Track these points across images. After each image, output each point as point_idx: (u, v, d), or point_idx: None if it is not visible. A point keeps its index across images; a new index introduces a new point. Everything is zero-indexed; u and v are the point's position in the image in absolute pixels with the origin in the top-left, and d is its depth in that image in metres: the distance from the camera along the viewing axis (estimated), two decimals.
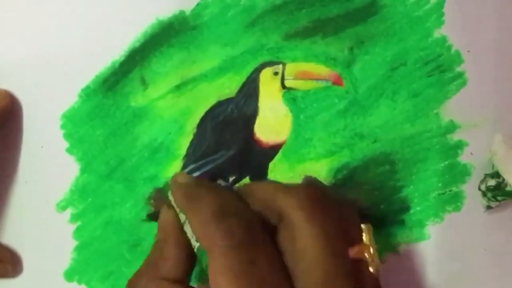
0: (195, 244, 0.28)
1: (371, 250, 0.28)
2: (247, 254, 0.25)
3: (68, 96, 0.35)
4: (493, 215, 0.35)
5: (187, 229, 0.28)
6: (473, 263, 0.35)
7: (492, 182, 0.34)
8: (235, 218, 0.26)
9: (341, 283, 0.25)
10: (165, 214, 0.30)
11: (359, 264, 0.27)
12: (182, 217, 0.29)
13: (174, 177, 0.32)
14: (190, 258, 0.29)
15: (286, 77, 0.35)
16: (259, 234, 0.26)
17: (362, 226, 0.28)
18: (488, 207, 0.34)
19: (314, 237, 0.25)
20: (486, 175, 0.34)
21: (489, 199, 0.34)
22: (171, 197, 0.31)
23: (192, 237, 0.28)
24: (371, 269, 0.27)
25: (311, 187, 0.28)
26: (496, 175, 0.34)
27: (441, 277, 0.34)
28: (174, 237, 0.29)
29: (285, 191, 0.27)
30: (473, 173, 0.35)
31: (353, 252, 0.27)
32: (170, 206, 0.30)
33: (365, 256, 0.27)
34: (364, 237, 0.28)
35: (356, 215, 0.29)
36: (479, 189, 0.34)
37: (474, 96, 0.35)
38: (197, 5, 0.35)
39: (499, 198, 0.34)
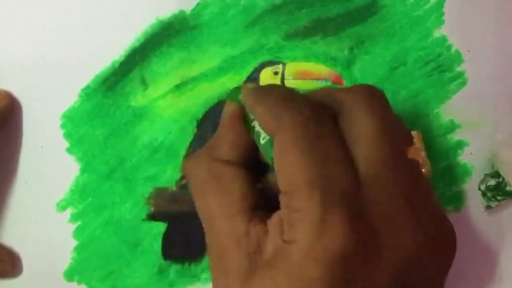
0: (262, 142, 0.28)
1: (422, 153, 0.28)
2: (315, 129, 0.25)
3: (68, 96, 0.35)
4: (492, 215, 0.35)
5: (256, 126, 0.28)
6: (472, 263, 0.35)
7: (492, 182, 0.34)
8: (302, 100, 0.27)
9: (396, 170, 0.26)
10: (227, 106, 0.30)
11: (413, 162, 0.27)
12: (251, 118, 0.29)
13: (245, 84, 0.33)
14: (246, 145, 0.29)
15: (286, 77, 0.35)
16: (324, 114, 0.26)
17: (412, 132, 0.29)
18: (488, 207, 0.34)
19: (374, 126, 0.26)
20: (486, 175, 0.34)
21: (489, 198, 0.34)
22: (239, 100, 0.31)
23: (260, 134, 0.28)
24: (423, 171, 0.27)
25: (371, 85, 0.28)
26: (496, 174, 0.34)
27: None
28: (231, 123, 0.29)
29: (345, 88, 0.28)
30: (473, 173, 0.35)
31: (408, 152, 0.27)
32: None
33: (418, 158, 0.28)
34: (415, 141, 0.28)
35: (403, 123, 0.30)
36: (479, 189, 0.34)
37: (474, 96, 0.35)
38: (197, 5, 0.35)
39: (499, 197, 0.34)
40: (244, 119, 0.29)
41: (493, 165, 0.34)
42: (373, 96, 0.27)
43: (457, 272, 0.34)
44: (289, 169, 0.25)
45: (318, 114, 0.26)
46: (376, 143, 0.26)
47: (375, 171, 0.25)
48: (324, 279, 0.23)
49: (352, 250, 0.23)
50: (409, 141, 0.28)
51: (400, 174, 0.26)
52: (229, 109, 0.30)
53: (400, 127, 0.28)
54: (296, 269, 0.23)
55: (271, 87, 0.29)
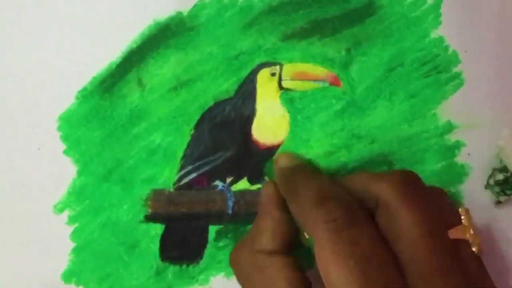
0: (306, 236, 0.28)
1: (471, 230, 0.27)
2: (350, 236, 0.25)
3: (65, 98, 0.35)
4: (489, 217, 0.35)
5: None
6: None
7: (500, 177, 0.34)
8: (334, 201, 0.26)
9: (443, 261, 0.25)
10: (265, 188, 0.31)
11: (461, 244, 0.27)
12: None
13: (276, 159, 0.32)
14: (287, 231, 0.29)
15: (283, 78, 0.35)
16: (359, 214, 0.26)
17: (459, 209, 0.29)
18: (498, 202, 0.34)
19: (412, 218, 0.25)
20: (494, 170, 0.34)
21: (498, 193, 0.34)
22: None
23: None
24: (474, 249, 0.27)
25: (404, 171, 0.28)
26: (504, 169, 0.34)
27: None
28: (270, 210, 0.29)
29: (379, 177, 0.27)
30: (470, 174, 0.35)
31: (453, 233, 0.27)
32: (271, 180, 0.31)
33: (466, 237, 0.27)
34: (463, 219, 0.28)
35: (450, 200, 0.30)
36: (488, 183, 0.34)
37: (471, 96, 0.35)
38: (194, 6, 0.35)
39: (508, 192, 0.34)
40: (283, 201, 0.29)
41: (501, 160, 0.34)
42: (408, 184, 0.27)
43: None
44: (332, 280, 0.24)
45: (352, 216, 0.26)
46: (419, 238, 0.25)
47: (422, 267, 0.25)
48: None
49: None
50: (456, 220, 0.28)
51: (449, 266, 0.25)
52: (266, 192, 0.30)
53: (443, 207, 0.28)
54: None
55: (302, 179, 0.29)
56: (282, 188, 0.29)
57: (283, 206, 0.29)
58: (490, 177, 0.34)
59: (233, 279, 0.33)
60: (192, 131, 0.35)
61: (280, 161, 0.32)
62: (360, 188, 0.28)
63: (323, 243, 0.25)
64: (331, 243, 0.25)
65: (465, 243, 0.27)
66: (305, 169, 0.31)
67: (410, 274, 0.25)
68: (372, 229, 0.26)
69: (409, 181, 0.27)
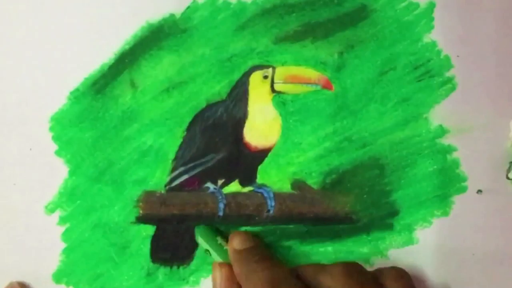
0: None
1: None
2: None
3: (57, 99, 0.35)
4: (479, 220, 0.35)
5: None
6: (460, 268, 0.35)
7: None
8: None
9: None
10: (215, 270, 0.33)
11: None
12: None
13: (231, 239, 0.34)
14: None
15: (275, 80, 0.35)
16: None
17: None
18: None
19: None
20: (511, 163, 0.34)
21: None
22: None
23: None
24: None
25: (347, 264, 0.31)
26: None
27: (429, 281, 0.35)
28: None
29: (325, 269, 0.31)
30: (462, 178, 0.35)
31: None
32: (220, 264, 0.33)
33: None
34: None
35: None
36: (507, 177, 0.34)
37: (463, 101, 0.35)
38: (187, 8, 0.35)
39: None
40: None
41: None
42: (349, 276, 0.30)
43: (445, 276, 0.34)
44: None
45: None
46: None
47: None
48: None
49: None
50: None
51: None
52: (217, 275, 0.33)
53: None
54: None
55: (255, 264, 0.32)
56: (236, 270, 0.32)
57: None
58: (508, 170, 0.34)
59: None
60: (184, 133, 0.35)
61: (234, 242, 0.33)
62: (310, 277, 0.31)
63: None
64: None
65: None
66: (258, 253, 0.33)
67: None
68: None
69: (349, 273, 0.31)
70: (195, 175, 0.35)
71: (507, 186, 0.34)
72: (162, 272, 0.35)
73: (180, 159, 0.35)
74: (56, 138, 0.35)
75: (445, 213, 0.35)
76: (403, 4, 0.34)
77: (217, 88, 0.35)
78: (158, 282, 0.35)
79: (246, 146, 0.35)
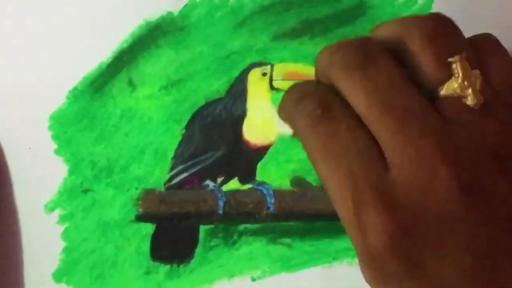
0: None
1: (463, 82, 0.25)
2: (326, 128, 0.25)
3: (56, 98, 0.35)
4: None
5: None
6: None
7: None
8: (309, 98, 0.26)
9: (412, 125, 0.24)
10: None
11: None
12: None
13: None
14: None
15: (274, 78, 0.35)
16: (335, 108, 0.26)
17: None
18: None
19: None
20: None
21: None
22: None
23: None
24: (468, 102, 0.25)
25: (436, 17, 0.26)
26: None
27: None
28: None
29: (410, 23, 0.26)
30: None
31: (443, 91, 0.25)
32: None
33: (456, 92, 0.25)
34: (454, 70, 0.24)
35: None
36: None
37: None
38: (185, 6, 0.35)
39: None
40: None
41: None
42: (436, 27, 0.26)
43: None
44: (320, 175, 0.25)
45: (328, 108, 0.25)
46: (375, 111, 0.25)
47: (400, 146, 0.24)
48: None
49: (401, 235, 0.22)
50: None
51: (420, 129, 0.23)
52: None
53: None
54: None
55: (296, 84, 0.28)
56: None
57: None
58: None
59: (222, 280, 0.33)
60: (183, 131, 0.35)
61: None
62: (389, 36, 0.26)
63: (304, 141, 0.25)
64: (310, 138, 0.25)
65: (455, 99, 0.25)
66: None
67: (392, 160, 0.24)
68: (350, 118, 0.25)
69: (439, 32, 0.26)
70: (194, 173, 0.35)
71: None
72: (162, 270, 0.35)
73: (179, 157, 0.35)
74: (55, 137, 0.35)
75: None
76: (401, 0, 0.34)
77: (215, 86, 0.35)
78: (158, 281, 0.35)
79: (245, 143, 0.35)
